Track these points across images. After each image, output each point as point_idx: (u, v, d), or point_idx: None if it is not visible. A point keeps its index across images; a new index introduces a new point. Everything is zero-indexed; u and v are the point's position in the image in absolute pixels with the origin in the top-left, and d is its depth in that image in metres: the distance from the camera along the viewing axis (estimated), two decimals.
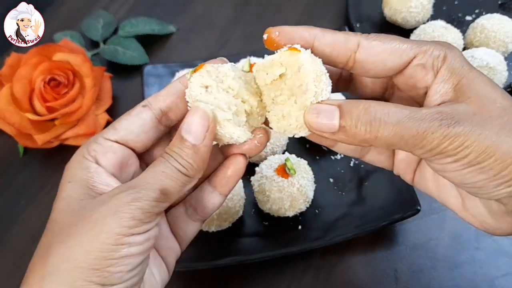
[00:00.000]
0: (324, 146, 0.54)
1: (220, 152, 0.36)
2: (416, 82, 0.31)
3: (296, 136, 0.32)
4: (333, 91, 0.33)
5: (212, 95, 0.31)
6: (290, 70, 0.30)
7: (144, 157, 0.35)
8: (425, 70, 0.30)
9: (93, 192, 0.31)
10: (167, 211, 0.37)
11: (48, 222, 0.31)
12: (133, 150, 0.34)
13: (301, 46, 0.31)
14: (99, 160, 0.32)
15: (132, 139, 0.33)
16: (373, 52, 0.31)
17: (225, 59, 0.34)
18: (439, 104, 0.30)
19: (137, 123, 0.33)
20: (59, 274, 0.27)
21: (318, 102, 0.30)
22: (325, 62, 0.31)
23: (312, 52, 0.31)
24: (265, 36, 0.32)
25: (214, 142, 0.33)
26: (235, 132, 0.32)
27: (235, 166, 0.35)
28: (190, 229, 0.36)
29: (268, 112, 0.32)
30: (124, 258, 0.28)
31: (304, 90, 0.30)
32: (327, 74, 0.31)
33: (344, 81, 0.37)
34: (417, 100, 0.33)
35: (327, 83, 0.31)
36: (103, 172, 0.32)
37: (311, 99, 0.29)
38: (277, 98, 0.32)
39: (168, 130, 0.35)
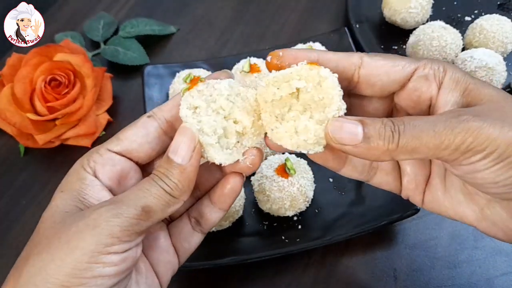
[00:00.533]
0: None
1: (219, 169, 0.36)
2: (421, 94, 0.31)
3: (310, 153, 0.31)
4: None
5: (199, 117, 0.31)
6: (311, 83, 0.30)
7: (148, 169, 0.35)
8: (428, 81, 0.31)
9: (82, 204, 0.30)
10: (169, 223, 0.37)
11: (34, 231, 0.30)
12: (136, 162, 0.34)
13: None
14: (97, 172, 0.32)
15: (135, 149, 0.33)
16: (376, 65, 0.31)
17: (229, 71, 0.34)
18: None
19: (140, 133, 0.33)
20: (29, 287, 0.27)
21: (340, 116, 0.30)
22: None
23: None
24: (268, 58, 0.32)
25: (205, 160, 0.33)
26: (216, 157, 0.32)
27: (232, 185, 0.35)
28: (194, 239, 0.36)
29: (272, 130, 0.31)
30: (96, 278, 0.27)
31: (326, 104, 0.30)
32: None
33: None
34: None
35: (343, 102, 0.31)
36: (98, 185, 0.31)
37: (333, 112, 0.29)
38: (284, 115, 0.31)
39: None
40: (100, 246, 0.27)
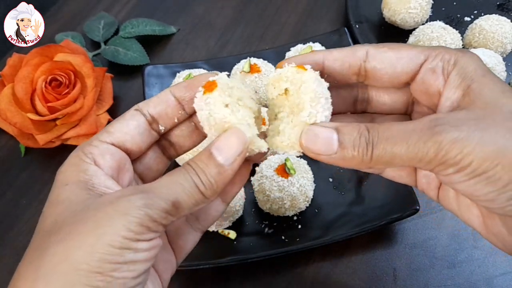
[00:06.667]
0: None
1: None
2: (429, 87, 0.30)
3: (290, 154, 0.31)
4: (352, 112, 0.33)
5: (235, 114, 0.30)
6: (294, 87, 0.30)
7: (135, 166, 0.34)
8: (435, 74, 0.30)
9: (94, 193, 0.29)
10: None
11: (37, 228, 0.28)
12: (128, 154, 0.33)
13: (311, 68, 0.30)
14: (97, 162, 0.30)
15: (129, 140, 0.32)
16: (381, 58, 0.31)
17: (218, 73, 0.33)
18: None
19: (132, 125, 0.32)
20: (54, 276, 0.25)
21: (314, 124, 0.29)
22: (338, 79, 0.32)
23: (322, 73, 0.31)
24: (284, 66, 0.32)
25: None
26: (263, 145, 0.30)
27: (240, 173, 0.32)
28: (191, 238, 0.35)
29: (267, 128, 0.32)
30: (129, 264, 0.26)
31: (300, 109, 0.29)
32: (329, 100, 0.30)
33: (362, 102, 0.36)
34: (436, 111, 0.32)
35: (326, 108, 0.30)
36: (102, 174, 0.30)
37: (304, 118, 0.29)
38: (278, 114, 0.31)
39: (157, 139, 0.34)
40: (131, 233, 0.26)
